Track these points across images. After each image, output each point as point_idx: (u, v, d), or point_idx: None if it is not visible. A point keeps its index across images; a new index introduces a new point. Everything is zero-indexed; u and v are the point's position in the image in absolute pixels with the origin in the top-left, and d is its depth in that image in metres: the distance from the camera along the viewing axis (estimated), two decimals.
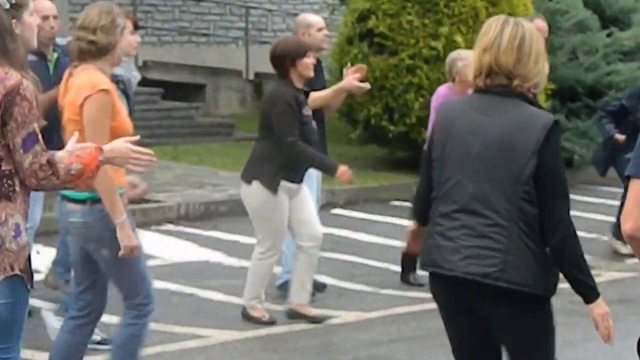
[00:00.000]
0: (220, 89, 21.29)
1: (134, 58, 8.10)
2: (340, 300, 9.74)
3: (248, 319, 9.14)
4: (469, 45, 15.04)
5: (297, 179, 8.97)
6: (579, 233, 8.80)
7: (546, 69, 4.93)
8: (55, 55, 9.07)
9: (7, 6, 5.14)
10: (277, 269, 9.94)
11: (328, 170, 9.10)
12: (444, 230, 4.86)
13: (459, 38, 15.07)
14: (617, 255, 12.22)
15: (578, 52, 17.10)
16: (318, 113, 9.33)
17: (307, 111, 8.88)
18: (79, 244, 6.47)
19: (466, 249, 4.77)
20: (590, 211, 14.75)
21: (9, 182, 4.97)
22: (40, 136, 4.93)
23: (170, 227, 12.64)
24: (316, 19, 9.90)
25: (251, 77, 21.69)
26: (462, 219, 4.81)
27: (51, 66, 8.95)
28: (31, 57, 8.49)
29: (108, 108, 6.23)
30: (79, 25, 6.36)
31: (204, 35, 22.73)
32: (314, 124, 8.95)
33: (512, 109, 4.79)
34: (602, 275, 11.31)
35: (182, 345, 8.50)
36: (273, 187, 8.79)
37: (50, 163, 4.91)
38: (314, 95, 9.34)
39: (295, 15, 23.51)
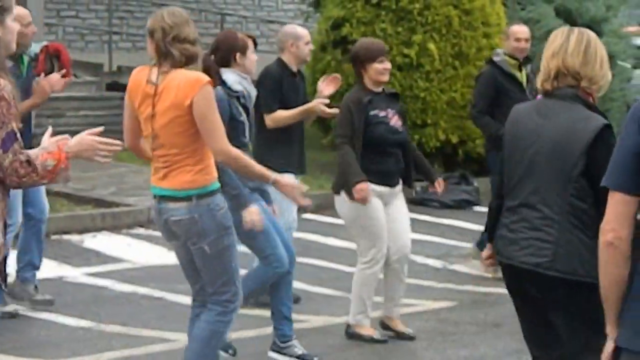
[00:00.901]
0: None
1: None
2: (309, 305, 9.71)
3: (356, 337, 8.88)
4: (442, 53, 15.22)
5: (388, 181, 8.76)
6: None
7: (609, 74, 5.25)
8: (27, 59, 9.17)
9: None
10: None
11: (348, 182, 8.67)
12: (508, 222, 5.28)
13: (432, 46, 15.14)
14: None
15: None
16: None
17: (378, 112, 8.66)
18: (182, 243, 6.57)
19: (523, 240, 5.16)
20: None
21: None
22: (19, 135, 4.90)
23: (141, 230, 12.63)
24: (304, 32, 9.89)
25: None
26: (522, 213, 5.19)
27: (24, 70, 9.03)
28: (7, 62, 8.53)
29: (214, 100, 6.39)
30: (174, 36, 6.37)
31: None
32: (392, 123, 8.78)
33: (570, 112, 5.10)
34: None
35: (150, 349, 8.50)
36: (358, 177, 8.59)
37: (29, 161, 4.88)
38: (281, 115, 9.35)
39: (270, 22, 23.73)
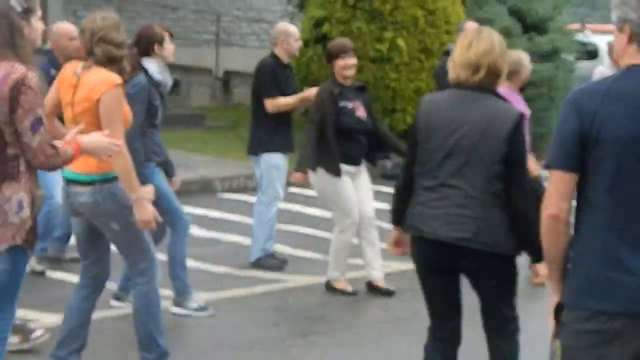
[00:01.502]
0: (193, 85, 21.23)
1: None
2: (295, 266, 9.76)
3: (332, 290, 9.09)
4: (409, 48, 15.28)
5: (354, 162, 8.92)
6: None
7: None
8: None
9: (20, 9, 5.24)
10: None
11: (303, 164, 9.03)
12: (426, 200, 5.13)
13: (400, 42, 15.16)
14: None
15: None
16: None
17: (346, 104, 8.79)
18: (85, 222, 6.44)
19: (447, 216, 5.05)
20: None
21: (14, 163, 5.12)
22: (45, 120, 5.07)
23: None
24: (294, 29, 9.89)
25: (220, 75, 21.68)
26: (443, 192, 5.06)
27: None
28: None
29: (122, 100, 6.26)
30: (100, 37, 6.29)
31: (180, 38, 22.62)
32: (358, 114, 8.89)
33: (488, 102, 5.10)
34: None
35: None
36: (336, 172, 8.74)
37: (53, 144, 5.08)
38: (281, 102, 9.38)
39: (259, 21, 23.64)
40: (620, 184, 3.91)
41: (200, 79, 21.53)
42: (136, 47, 8.13)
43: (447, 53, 11.00)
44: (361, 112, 8.82)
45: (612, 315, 3.87)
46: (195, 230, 11.20)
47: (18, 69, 5.03)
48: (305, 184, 9.28)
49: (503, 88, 9.91)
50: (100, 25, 6.28)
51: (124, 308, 8.03)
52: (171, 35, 8.51)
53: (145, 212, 6.17)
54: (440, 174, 5.07)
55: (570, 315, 4.02)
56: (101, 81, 6.14)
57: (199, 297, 8.38)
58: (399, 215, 5.37)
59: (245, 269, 9.59)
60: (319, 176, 8.78)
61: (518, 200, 5.03)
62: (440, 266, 5.23)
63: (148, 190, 6.47)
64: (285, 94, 9.39)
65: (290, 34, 9.63)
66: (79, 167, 6.11)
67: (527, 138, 9.07)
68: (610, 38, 23.18)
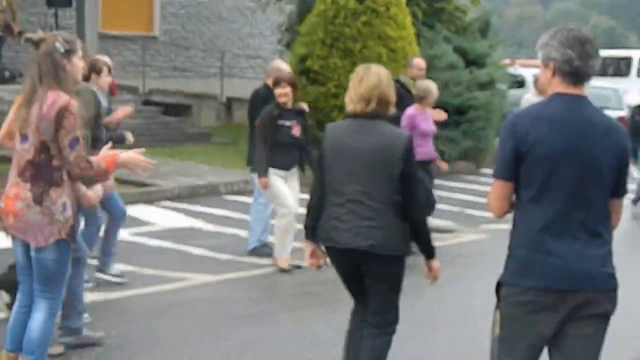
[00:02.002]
0: (203, 108, 21.23)
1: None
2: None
3: (276, 267, 9.13)
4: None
5: (286, 167, 8.99)
6: (449, 208, 8.64)
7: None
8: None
9: (62, 50, 5.28)
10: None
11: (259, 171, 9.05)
12: (338, 215, 4.94)
13: None
14: (475, 223, 12.27)
15: (449, 84, 17.15)
16: None
17: (284, 122, 8.85)
18: None
19: (356, 227, 4.88)
20: (457, 192, 14.87)
21: (58, 173, 5.17)
22: (81, 140, 5.14)
23: (167, 203, 12.47)
24: (285, 66, 9.80)
25: (224, 100, 21.64)
26: (350, 207, 4.89)
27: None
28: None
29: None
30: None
31: (191, 71, 22.64)
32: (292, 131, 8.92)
33: (378, 127, 4.91)
34: (463, 236, 11.51)
35: (175, 285, 8.49)
36: (262, 173, 8.85)
37: (88, 160, 5.13)
38: None
39: (255, 57, 23.67)
40: (547, 188, 4.02)
41: (208, 103, 21.51)
42: None
43: (397, 81, 11.00)
44: (296, 131, 8.86)
45: (539, 290, 4.00)
46: (203, 225, 11.30)
47: (62, 98, 5.08)
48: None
49: (413, 109, 10.02)
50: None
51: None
52: (109, 69, 8.18)
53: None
54: (346, 191, 4.93)
55: (508, 292, 4.13)
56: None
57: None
58: (313, 231, 5.20)
59: (244, 256, 9.57)
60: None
61: (414, 211, 4.92)
62: (352, 269, 5.11)
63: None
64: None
65: (281, 69, 9.52)
66: None
67: (433, 149, 9.47)
68: (535, 71, 23.30)
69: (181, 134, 18.39)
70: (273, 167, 8.81)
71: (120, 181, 12.59)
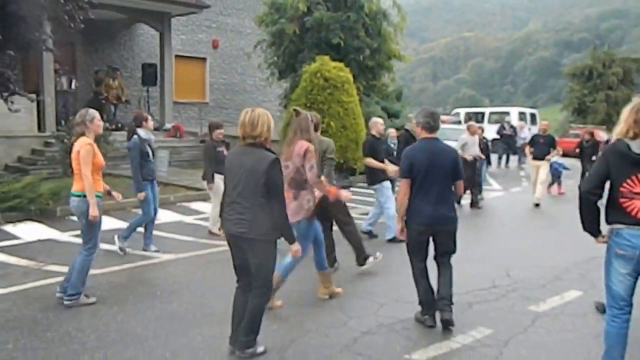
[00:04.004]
0: (236, 144, 21.07)
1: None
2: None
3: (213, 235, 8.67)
4: (336, 127, 15.21)
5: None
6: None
7: (272, 133, 4.47)
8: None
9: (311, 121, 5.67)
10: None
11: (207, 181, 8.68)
12: (227, 211, 4.50)
13: (332, 124, 14.94)
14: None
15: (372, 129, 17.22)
16: None
17: (223, 150, 8.62)
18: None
19: (235, 220, 4.42)
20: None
21: (306, 183, 5.44)
22: (315, 166, 5.45)
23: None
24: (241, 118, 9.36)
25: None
26: (233, 206, 4.44)
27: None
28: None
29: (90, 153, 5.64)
30: (80, 122, 5.74)
31: (229, 122, 22.61)
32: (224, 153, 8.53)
33: (255, 152, 4.44)
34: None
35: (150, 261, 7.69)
36: (209, 181, 8.60)
37: (319, 180, 5.65)
38: None
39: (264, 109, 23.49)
40: (422, 183, 5.16)
41: (235, 141, 21.26)
42: (134, 122, 7.59)
43: (406, 130, 10.47)
44: (225, 153, 8.46)
45: (422, 224, 5.20)
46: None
47: (305, 144, 5.39)
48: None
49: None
50: (78, 119, 5.79)
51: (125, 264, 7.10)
52: (152, 117, 7.94)
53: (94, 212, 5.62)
54: (232, 195, 4.48)
55: (410, 226, 5.24)
56: (78, 143, 5.70)
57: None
58: (222, 221, 4.64)
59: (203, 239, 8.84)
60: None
61: (275, 209, 4.37)
62: (236, 249, 4.52)
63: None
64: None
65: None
66: (74, 188, 5.68)
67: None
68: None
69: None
70: (218, 173, 8.47)
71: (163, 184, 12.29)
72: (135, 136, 7.47)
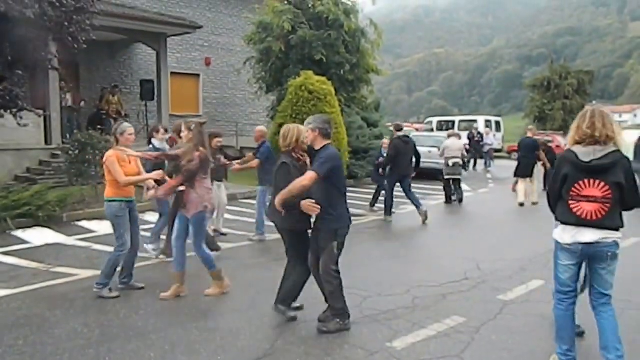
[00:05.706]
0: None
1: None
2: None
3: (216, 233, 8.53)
4: None
5: (218, 179, 8.30)
6: (361, 203, 7.81)
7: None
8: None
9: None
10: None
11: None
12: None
13: None
14: (375, 211, 11.74)
15: (359, 136, 17.38)
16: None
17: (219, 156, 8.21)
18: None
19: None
20: (364, 194, 14.33)
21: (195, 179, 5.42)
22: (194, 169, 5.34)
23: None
24: (265, 130, 9.12)
25: (238, 148, 21.44)
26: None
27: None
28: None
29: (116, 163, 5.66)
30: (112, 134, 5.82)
31: (227, 135, 22.54)
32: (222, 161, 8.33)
33: (281, 157, 4.82)
34: (371, 217, 11.14)
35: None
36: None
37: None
38: (254, 162, 8.65)
39: (255, 125, 23.32)
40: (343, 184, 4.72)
41: (230, 150, 21.16)
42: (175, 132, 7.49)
43: (400, 130, 10.75)
44: (222, 160, 8.35)
45: (347, 227, 4.78)
46: (229, 216, 10.82)
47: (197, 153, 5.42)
48: None
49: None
50: (113, 130, 5.86)
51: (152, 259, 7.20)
52: (166, 130, 7.76)
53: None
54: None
55: (340, 229, 4.72)
56: (106, 154, 5.76)
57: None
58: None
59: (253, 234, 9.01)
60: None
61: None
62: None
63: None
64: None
65: (264, 133, 9.10)
66: (105, 194, 5.72)
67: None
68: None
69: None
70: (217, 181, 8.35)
71: None
72: (151, 145, 7.55)
